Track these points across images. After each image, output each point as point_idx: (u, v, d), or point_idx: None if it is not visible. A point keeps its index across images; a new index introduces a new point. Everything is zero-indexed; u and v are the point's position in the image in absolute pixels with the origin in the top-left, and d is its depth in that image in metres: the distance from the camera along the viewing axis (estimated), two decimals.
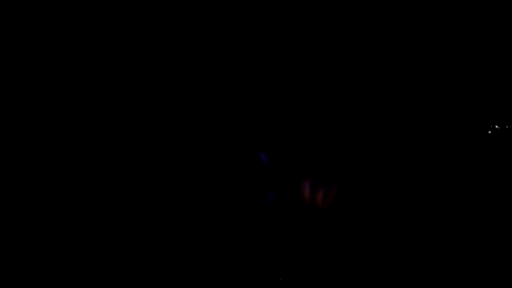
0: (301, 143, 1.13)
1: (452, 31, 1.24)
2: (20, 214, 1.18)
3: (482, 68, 1.23)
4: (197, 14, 1.25)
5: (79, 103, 1.23)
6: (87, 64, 1.24)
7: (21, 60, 1.22)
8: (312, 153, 1.09)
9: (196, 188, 1.17)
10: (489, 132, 1.19)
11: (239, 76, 1.26)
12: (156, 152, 1.22)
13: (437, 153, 1.18)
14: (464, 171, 1.17)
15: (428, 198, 1.13)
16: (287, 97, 1.24)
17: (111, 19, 1.24)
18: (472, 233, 1.12)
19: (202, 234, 1.12)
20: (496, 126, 1.19)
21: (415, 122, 1.20)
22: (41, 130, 1.22)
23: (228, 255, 1.07)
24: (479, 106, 1.22)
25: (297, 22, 1.26)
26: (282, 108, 1.23)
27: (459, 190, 1.15)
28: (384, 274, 1.04)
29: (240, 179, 1.15)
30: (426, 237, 1.10)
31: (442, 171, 1.16)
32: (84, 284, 1.14)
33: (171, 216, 1.16)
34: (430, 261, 1.09)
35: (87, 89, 1.24)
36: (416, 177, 1.15)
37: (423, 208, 1.12)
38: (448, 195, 1.14)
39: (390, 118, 1.21)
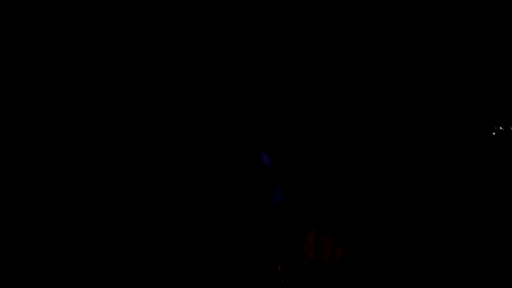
0: (300, 143, 1.12)
1: (452, 31, 1.24)
2: (20, 214, 1.18)
3: (483, 68, 1.23)
4: (197, 14, 1.26)
5: (79, 103, 1.23)
6: (87, 64, 1.24)
7: (21, 60, 1.22)
8: (317, 200, 1.05)
9: (198, 189, 1.17)
10: (493, 133, 1.19)
11: (243, 78, 1.26)
12: (158, 154, 1.22)
13: (440, 156, 1.18)
14: (468, 176, 1.17)
15: (430, 202, 1.13)
16: (290, 100, 1.24)
17: (111, 19, 1.24)
18: (479, 238, 1.12)
19: (203, 235, 1.11)
20: (500, 128, 1.19)
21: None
22: (41, 130, 1.22)
23: (228, 256, 1.06)
24: (482, 107, 1.22)
25: (298, 23, 1.27)
26: (285, 111, 1.23)
27: (461, 192, 1.15)
28: (385, 275, 1.03)
29: (242, 181, 1.14)
30: (427, 240, 1.09)
31: (445, 175, 1.16)
32: (84, 284, 1.14)
33: (172, 217, 1.16)
34: (430, 263, 1.09)
35: (87, 89, 1.24)
36: (418, 181, 1.15)
37: (424, 213, 1.11)
38: (450, 198, 1.14)
39: (390, 119, 1.20)
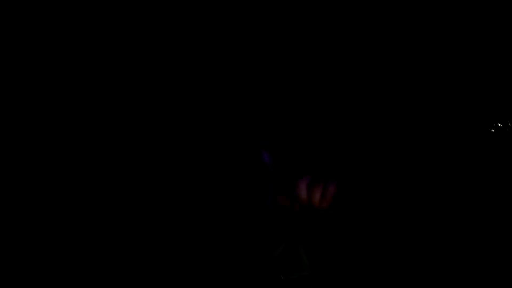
0: (301, 141, 1.12)
1: (452, 31, 1.24)
2: (20, 214, 1.18)
3: (484, 67, 1.23)
4: (197, 14, 1.26)
5: (79, 103, 1.23)
6: (87, 64, 1.24)
7: (21, 60, 1.23)
8: (310, 151, 1.07)
9: (197, 188, 1.17)
10: (492, 130, 1.19)
11: (244, 77, 1.26)
12: (157, 153, 1.22)
13: (439, 152, 1.17)
14: (466, 170, 1.17)
15: (429, 198, 1.12)
16: (289, 97, 1.24)
17: (111, 19, 1.24)
18: (473, 233, 1.12)
19: (202, 234, 1.11)
20: (499, 124, 1.18)
21: (415, 121, 1.19)
22: (41, 130, 1.22)
23: (228, 255, 1.06)
24: (482, 104, 1.22)
25: (297, 22, 1.27)
26: (284, 108, 1.23)
27: (460, 189, 1.15)
28: (386, 271, 1.03)
29: (242, 179, 1.14)
30: (427, 236, 1.09)
31: (443, 171, 1.16)
32: (84, 284, 1.13)
33: (171, 215, 1.16)
34: (430, 260, 1.08)
35: (87, 89, 1.24)
36: (417, 177, 1.14)
37: (423, 208, 1.11)
38: (449, 194, 1.13)
39: (390, 117, 1.20)
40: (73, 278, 1.13)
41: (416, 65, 1.24)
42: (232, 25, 1.26)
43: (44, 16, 1.23)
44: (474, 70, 1.23)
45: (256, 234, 1.05)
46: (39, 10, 1.22)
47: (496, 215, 1.14)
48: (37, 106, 1.22)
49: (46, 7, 1.22)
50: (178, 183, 1.18)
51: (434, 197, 1.12)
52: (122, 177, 1.20)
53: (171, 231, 1.14)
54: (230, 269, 1.05)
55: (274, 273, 0.95)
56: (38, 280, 1.13)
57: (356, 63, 1.25)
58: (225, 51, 1.26)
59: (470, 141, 1.20)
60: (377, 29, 1.26)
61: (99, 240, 1.15)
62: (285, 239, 0.99)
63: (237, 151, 1.17)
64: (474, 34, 1.24)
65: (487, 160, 1.18)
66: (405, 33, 1.25)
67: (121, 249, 1.15)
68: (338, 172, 0.97)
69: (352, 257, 0.97)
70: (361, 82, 1.24)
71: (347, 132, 1.19)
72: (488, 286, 1.08)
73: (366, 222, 0.99)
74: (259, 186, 1.10)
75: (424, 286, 1.07)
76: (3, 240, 1.15)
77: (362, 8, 1.26)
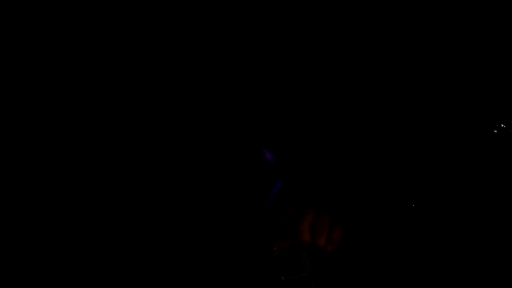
0: (303, 138, 1.12)
1: (453, 31, 1.24)
2: (20, 214, 1.18)
3: (485, 67, 1.23)
4: (197, 14, 1.26)
5: (79, 103, 1.23)
6: (87, 64, 1.24)
7: (21, 60, 1.22)
8: (314, 184, 1.03)
9: (197, 187, 1.17)
10: (494, 131, 1.19)
11: (245, 75, 1.26)
12: (158, 151, 1.22)
13: (441, 154, 1.17)
14: (469, 171, 1.17)
15: (430, 200, 1.12)
16: (293, 96, 1.24)
17: (111, 19, 1.24)
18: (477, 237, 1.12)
19: (202, 233, 1.11)
20: (502, 125, 1.18)
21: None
22: (41, 130, 1.22)
23: (228, 255, 1.06)
24: (483, 105, 1.22)
25: (298, 22, 1.27)
26: (288, 108, 1.23)
27: (462, 190, 1.15)
28: (387, 272, 1.03)
29: (242, 178, 1.14)
30: (427, 238, 1.09)
31: (445, 172, 1.16)
32: (84, 284, 1.13)
33: (171, 215, 1.16)
34: (430, 262, 1.08)
35: (87, 89, 1.24)
36: (418, 178, 1.14)
37: (424, 210, 1.11)
38: (451, 195, 1.13)
39: (391, 118, 1.20)
40: (73, 278, 1.13)
41: (417, 66, 1.24)
42: (232, 24, 1.26)
43: (44, 16, 1.22)
44: (475, 71, 1.23)
45: (256, 234, 1.05)
46: (39, 10, 1.22)
47: (497, 215, 1.14)
48: (37, 106, 1.22)
49: (46, 7, 1.22)
50: (178, 182, 1.18)
51: (436, 199, 1.12)
52: (122, 177, 1.20)
53: (171, 230, 1.14)
54: (230, 269, 1.05)
55: (274, 274, 0.95)
56: (38, 280, 1.13)
57: (358, 63, 1.25)
58: (227, 50, 1.26)
59: (472, 142, 1.20)
60: (377, 29, 1.25)
61: (99, 240, 1.15)
62: (284, 238, 0.98)
63: (238, 149, 1.17)
64: (475, 34, 1.24)
65: (489, 162, 1.18)
66: (405, 33, 1.25)
67: (121, 249, 1.15)
68: (342, 208, 0.93)
69: (352, 258, 0.97)
70: (363, 82, 1.24)
71: (347, 130, 1.19)
72: (488, 286, 1.09)
73: (366, 228, 0.99)
74: (260, 185, 1.10)
75: (424, 286, 1.07)
76: (3, 240, 1.15)
77: (362, 8, 1.26)
